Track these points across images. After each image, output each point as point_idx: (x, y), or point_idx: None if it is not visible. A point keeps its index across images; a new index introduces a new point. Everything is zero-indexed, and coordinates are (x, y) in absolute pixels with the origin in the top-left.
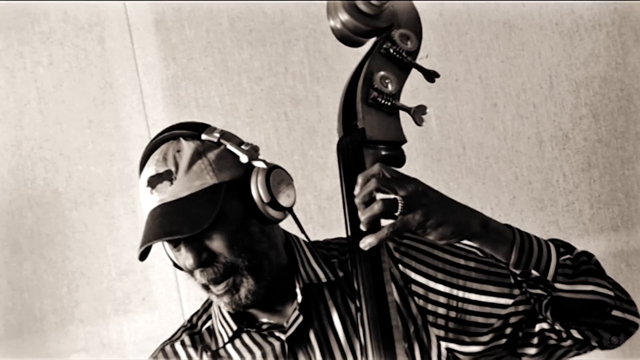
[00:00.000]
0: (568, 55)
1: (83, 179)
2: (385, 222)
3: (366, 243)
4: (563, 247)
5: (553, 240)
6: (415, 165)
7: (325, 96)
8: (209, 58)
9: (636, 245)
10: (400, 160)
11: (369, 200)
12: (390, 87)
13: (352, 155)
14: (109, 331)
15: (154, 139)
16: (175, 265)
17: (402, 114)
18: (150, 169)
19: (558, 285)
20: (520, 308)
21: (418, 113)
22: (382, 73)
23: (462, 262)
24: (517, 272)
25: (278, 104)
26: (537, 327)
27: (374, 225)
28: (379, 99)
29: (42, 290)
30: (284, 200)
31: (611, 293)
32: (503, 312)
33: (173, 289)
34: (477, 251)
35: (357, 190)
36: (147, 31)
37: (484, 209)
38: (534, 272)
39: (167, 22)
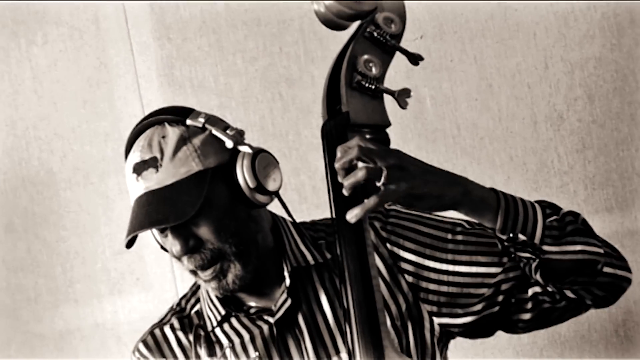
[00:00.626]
0: (563, 36)
1: (77, 159)
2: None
3: (352, 214)
4: (549, 207)
5: (539, 202)
6: (410, 146)
7: (320, 76)
8: (204, 38)
9: (630, 226)
10: (385, 143)
11: (350, 168)
12: (374, 70)
13: (336, 139)
14: (103, 311)
15: (138, 123)
16: (163, 248)
17: (387, 97)
18: (136, 155)
19: (546, 247)
20: (511, 274)
21: (402, 96)
22: (366, 56)
23: (449, 236)
24: (504, 237)
25: (273, 84)
26: (530, 292)
27: (357, 199)
28: (363, 83)
29: (36, 270)
30: (270, 185)
31: (600, 250)
32: (493, 280)
33: (167, 269)
34: (463, 223)
35: (337, 157)
36: (141, 11)
37: None
38: (521, 236)
39: (161, 2)
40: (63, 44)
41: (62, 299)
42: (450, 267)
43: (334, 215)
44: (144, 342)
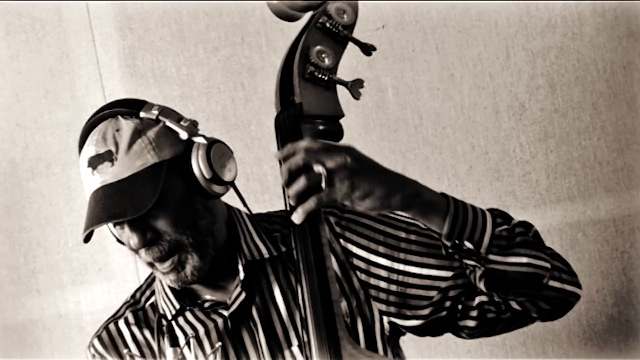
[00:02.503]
0: (525, 26)
1: (40, 149)
2: None
3: (296, 216)
4: (501, 217)
5: (491, 210)
6: (372, 136)
7: None
8: (166, 28)
9: (592, 215)
10: (338, 134)
11: (296, 172)
12: (327, 61)
13: (289, 130)
14: (66, 301)
15: (91, 117)
16: (119, 241)
17: (340, 88)
18: (90, 149)
19: (491, 257)
20: (460, 281)
21: (355, 87)
22: (318, 47)
23: (402, 235)
24: (448, 244)
25: (235, 74)
26: (477, 300)
27: (304, 199)
28: (316, 74)
29: None
30: (225, 175)
31: (546, 264)
32: (443, 284)
33: (130, 259)
34: (419, 223)
35: (283, 163)
36: (103, 2)
37: (440, 180)
38: (467, 244)
39: None
40: (25, 34)
41: (25, 289)
42: (402, 267)
43: (287, 207)
44: (99, 337)
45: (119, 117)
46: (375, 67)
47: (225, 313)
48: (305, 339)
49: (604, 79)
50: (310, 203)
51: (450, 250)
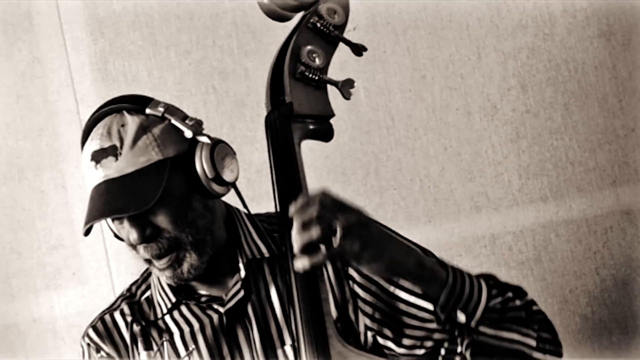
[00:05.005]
0: (495, 27)
1: (12, 154)
2: None
3: (300, 266)
4: (496, 286)
5: (487, 278)
6: (344, 138)
7: (253, 69)
8: (137, 32)
9: (565, 215)
10: (329, 133)
11: (308, 224)
12: (317, 61)
13: (280, 129)
14: (40, 306)
15: (96, 111)
16: (117, 236)
17: (330, 88)
18: (94, 143)
19: (482, 329)
20: (447, 327)
21: (346, 87)
22: (309, 47)
23: None
24: (442, 316)
25: (206, 78)
26: (459, 349)
27: (310, 250)
28: (307, 73)
29: None
30: (227, 175)
31: (532, 343)
32: (427, 317)
33: (103, 263)
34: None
35: (296, 212)
36: (74, 5)
37: (413, 181)
38: (460, 315)
39: None
40: None
41: None
42: (392, 288)
43: (277, 208)
44: (94, 327)
45: (125, 112)
46: (346, 69)
47: (221, 309)
48: (295, 336)
49: (575, 79)
50: (320, 257)
51: (442, 320)
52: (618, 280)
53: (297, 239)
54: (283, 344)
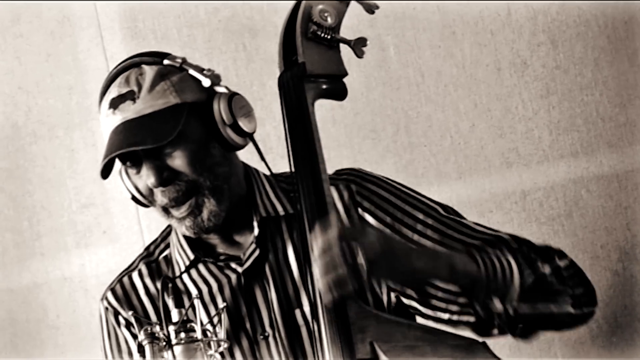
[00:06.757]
0: None
1: (42, 113)
2: None
3: (331, 299)
4: (525, 258)
5: (516, 250)
6: (374, 95)
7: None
8: None
9: (595, 171)
10: (342, 93)
11: (334, 266)
12: (329, 20)
13: (293, 90)
14: (71, 264)
15: (114, 69)
16: (134, 198)
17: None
18: (113, 92)
19: (519, 309)
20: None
21: (358, 45)
22: (320, 6)
23: (420, 216)
24: (478, 308)
25: (236, 35)
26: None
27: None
28: (319, 33)
29: (3, 224)
30: (245, 125)
31: (570, 309)
32: (454, 290)
33: (134, 221)
34: (439, 209)
35: (319, 256)
36: None
37: (443, 138)
38: (496, 304)
39: None
40: None
41: (29, 253)
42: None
43: (292, 168)
44: (112, 290)
45: (143, 65)
46: (376, 26)
47: (239, 269)
48: (312, 298)
49: (605, 34)
50: (350, 288)
51: (478, 311)
52: None
53: (324, 279)
54: (300, 305)
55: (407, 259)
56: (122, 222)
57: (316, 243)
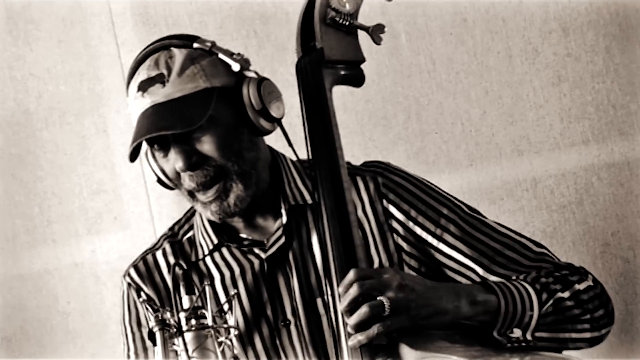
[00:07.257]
0: None
1: (53, 99)
2: None
3: (356, 341)
4: (543, 288)
5: (536, 277)
6: (386, 82)
7: (294, 13)
8: None
9: (607, 158)
10: (359, 79)
11: (355, 307)
12: (347, 6)
13: (311, 75)
14: (81, 250)
15: (142, 50)
16: (159, 181)
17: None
18: (142, 75)
19: (538, 335)
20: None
21: (376, 32)
22: None
23: (445, 211)
24: (499, 337)
25: (247, 22)
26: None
27: (365, 327)
28: (337, 19)
29: (14, 210)
30: (274, 111)
31: (588, 335)
32: (472, 276)
33: (145, 207)
34: (463, 207)
35: (341, 300)
36: None
37: (454, 125)
38: (515, 331)
39: None
40: None
41: (40, 239)
42: (435, 242)
43: (309, 155)
44: (135, 267)
45: (172, 48)
46: (388, 13)
47: (263, 255)
48: (329, 283)
49: (616, 22)
50: (374, 330)
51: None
52: None
53: (350, 323)
54: (322, 294)
55: (430, 299)
56: (133, 208)
57: (340, 287)
